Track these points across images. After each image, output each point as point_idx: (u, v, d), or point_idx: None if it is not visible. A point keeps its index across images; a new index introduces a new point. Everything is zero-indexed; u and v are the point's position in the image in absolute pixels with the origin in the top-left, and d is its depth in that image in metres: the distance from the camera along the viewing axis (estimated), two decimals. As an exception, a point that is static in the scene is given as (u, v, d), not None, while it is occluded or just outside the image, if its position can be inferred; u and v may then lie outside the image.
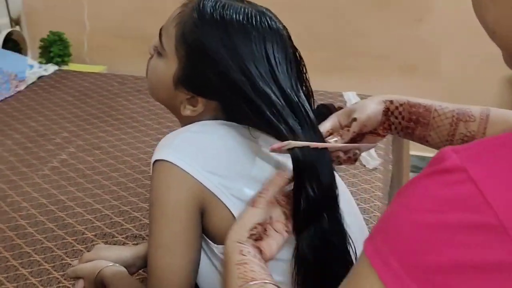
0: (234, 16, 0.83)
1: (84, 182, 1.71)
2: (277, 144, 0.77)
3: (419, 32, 2.64)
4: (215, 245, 0.82)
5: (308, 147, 0.76)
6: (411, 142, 2.25)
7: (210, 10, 0.83)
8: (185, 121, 0.89)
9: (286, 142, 0.76)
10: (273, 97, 0.80)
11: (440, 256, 0.43)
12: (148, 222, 1.47)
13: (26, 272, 1.32)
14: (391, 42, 2.68)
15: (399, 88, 2.76)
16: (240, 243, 0.74)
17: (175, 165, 0.78)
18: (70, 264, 1.32)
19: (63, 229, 1.48)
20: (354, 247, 0.81)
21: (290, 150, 0.76)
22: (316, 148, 0.77)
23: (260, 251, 0.75)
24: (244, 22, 0.83)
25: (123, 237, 1.44)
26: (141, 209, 1.56)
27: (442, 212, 0.44)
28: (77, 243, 1.42)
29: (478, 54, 2.59)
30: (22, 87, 2.43)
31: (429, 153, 2.66)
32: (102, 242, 1.42)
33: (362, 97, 2.29)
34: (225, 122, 0.87)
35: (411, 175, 2.51)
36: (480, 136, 0.83)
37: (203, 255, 0.84)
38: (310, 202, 0.75)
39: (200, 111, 0.87)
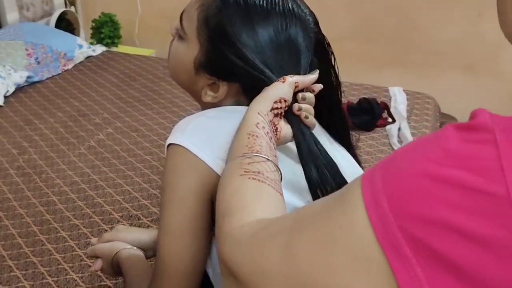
0: (258, 0, 0.80)
1: (118, 163, 1.72)
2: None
3: (479, 28, 2.50)
4: None
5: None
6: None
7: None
8: (206, 107, 0.87)
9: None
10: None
11: (431, 210, 0.40)
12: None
13: (52, 248, 1.34)
14: (450, 38, 2.56)
15: (455, 86, 2.65)
16: (260, 115, 0.72)
17: (187, 150, 0.75)
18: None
19: (91, 208, 1.50)
20: None
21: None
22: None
23: (276, 129, 0.73)
24: (268, 7, 0.80)
25: (148, 220, 1.44)
26: (169, 194, 1.55)
27: (449, 166, 0.41)
28: (103, 223, 1.43)
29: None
30: (70, 65, 2.48)
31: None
32: (128, 223, 1.42)
33: (409, 93, 2.20)
34: (243, 107, 0.84)
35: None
36: None
37: (213, 246, 0.82)
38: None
39: (221, 98, 0.84)
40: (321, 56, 0.84)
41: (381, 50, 2.66)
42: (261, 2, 0.80)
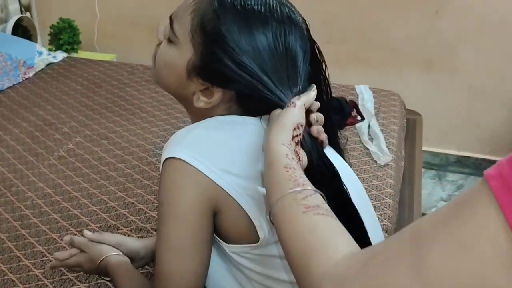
0: (255, 6, 0.79)
1: (90, 172, 1.68)
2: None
3: (436, 25, 2.58)
4: (227, 244, 0.79)
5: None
6: (424, 138, 2.22)
7: (229, 3, 0.79)
8: (196, 113, 0.85)
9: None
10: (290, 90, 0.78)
11: None
12: (153, 215, 1.45)
13: (29, 263, 1.30)
14: (409, 35, 2.62)
15: (415, 82, 2.72)
16: (285, 145, 0.71)
17: (187, 163, 0.74)
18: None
19: (67, 220, 1.46)
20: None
21: None
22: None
23: (299, 158, 0.73)
24: (266, 13, 0.79)
25: (127, 230, 1.42)
26: (147, 202, 1.53)
27: None
28: (81, 235, 1.40)
29: (496, 49, 2.54)
30: (30, 74, 2.41)
31: (441, 149, 2.61)
32: (107, 234, 1.39)
33: (375, 90, 2.25)
34: (236, 117, 0.83)
35: (423, 171, 2.47)
36: None
37: (213, 255, 0.81)
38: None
39: (215, 104, 0.82)
40: (313, 63, 0.85)
41: (343, 49, 2.70)
42: (259, 8, 0.79)
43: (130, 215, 1.48)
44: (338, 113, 1.95)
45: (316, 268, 0.56)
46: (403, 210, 1.69)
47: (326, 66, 0.86)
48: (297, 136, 0.72)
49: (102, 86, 2.31)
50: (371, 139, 1.88)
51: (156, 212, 1.48)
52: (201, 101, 0.82)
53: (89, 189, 1.60)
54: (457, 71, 2.65)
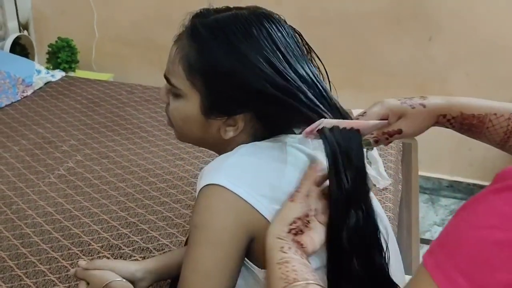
0: (231, 25, 0.80)
1: (91, 191, 1.68)
2: (309, 127, 0.76)
3: (429, 51, 2.63)
4: (259, 269, 0.80)
5: (338, 127, 0.75)
6: (419, 161, 2.24)
7: (205, 30, 0.81)
8: (225, 146, 0.86)
9: (318, 122, 0.75)
10: (295, 86, 0.78)
11: (509, 274, 0.42)
12: (155, 235, 1.45)
13: (31, 283, 1.29)
14: (402, 60, 2.68)
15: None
16: (280, 238, 0.71)
17: (227, 189, 0.75)
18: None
19: (69, 239, 1.46)
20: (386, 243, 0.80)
21: (321, 134, 0.75)
22: (345, 129, 0.76)
23: (302, 246, 0.73)
24: (243, 26, 0.80)
25: (129, 250, 1.42)
26: (148, 222, 1.53)
27: (510, 229, 0.43)
28: (83, 254, 1.40)
29: (487, 76, 2.59)
30: (29, 92, 2.41)
31: (434, 173, 2.62)
32: (108, 254, 1.39)
33: (372, 115, 2.28)
34: (271, 142, 0.85)
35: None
36: None
37: (245, 281, 0.82)
38: (344, 191, 0.74)
39: (242, 128, 0.83)
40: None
41: (337, 72, 2.72)
42: (234, 25, 0.80)
43: (132, 235, 1.48)
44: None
45: None
46: (401, 234, 1.71)
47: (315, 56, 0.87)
48: (295, 229, 0.73)
49: (101, 105, 2.32)
50: (369, 163, 1.90)
51: (158, 233, 1.48)
52: (229, 132, 0.84)
53: (90, 208, 1.60)
54: (449, 96, 2.70)
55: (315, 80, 0.81)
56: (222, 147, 0.87)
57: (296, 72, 0.79)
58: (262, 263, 0.80)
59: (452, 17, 2.55)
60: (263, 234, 0.77)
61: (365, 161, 1.93)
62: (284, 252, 0.70)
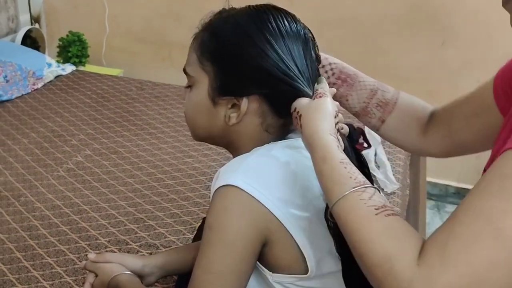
0: (242, 13, 0.84)
1: (100, 186, 1.69)
2: None
3: (441, 56, 2.62)
4: (271, 273, 0.79)
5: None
6: (427, 167, 2.24)
7: (218, 19, 0.85)
8: (235, 138, 0.86)
9: None
10: (298, 69, 0.82)
11: None
12: (163, 231, 1.45)
13: (38, 275, 1.30)
14: (414, 64, 2.66)
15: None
16: (332, 135, 0.71)
17: (243, 190, 0.74)
18: (83, 270, 1.30)
19: (76, 233, 1.46)
20: None
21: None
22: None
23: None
24: (254, 13, 0.84)
25: (137, 245, 1.42)
26: (156, 218, 1.53)
27: None
28: (90, 248, 1.40)
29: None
30: (39, 85, 2.41)
31: (441, 179, 2.59)
32: (116, 248, 1.39)
33: (381, 118, 2.27)
34: (291, 141, 0.85)
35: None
36: (392, 104, 0.97)
37: (252, 282, 0.81)
38: None
39: (244, 112, 0.82)
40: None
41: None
42: (246, 18, 0.83)
43: (140, 230, 1.48)
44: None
45: (402, 273, 0.57)
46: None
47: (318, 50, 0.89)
48: (337, 124, 0.75)
49: (111, 100, 2.32)
50: (377, 166, 1.89)
51: (166, 229, 1.48)
52: (232, 117, 0.83)
53: (98, 202, 1.60)
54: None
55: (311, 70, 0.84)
56: (231, 139, 0.86)
57: (294, 60, 0.82)
58: (271, 266, 0.80)
59: (466, 22, 2.53)
60: (277, 240, 0.77)
61: (373, 164, 1.92)
62: (341, 152, 0.70)
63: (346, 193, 0.65)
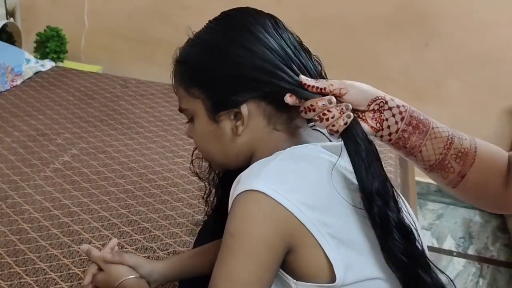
0: (204, 30, 0.85)
1: (90, 187, 1.63)
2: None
3: (425, 57, 2.64)
4: (295, 281, 0.76)
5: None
6: (410, 165, 2.25)
7: (183, 47, 0.86)
8: (251, 151, 0.84)
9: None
10: (278, 56, 0.80)
11: None
12: (159, 234, 1.41)
13: (32, 281, 1.24)
14: (399, 65, 2.68)
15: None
16: None
17: (267, 195, 0.71)
18: (79, 275, 1.26)
19: (68, 236, 1.41)
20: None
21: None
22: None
23: None
24: (218, 28, 0.84)
25: (133, 248, 1.38)
26: (150, 220, 1.49)
27: None
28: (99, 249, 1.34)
29: (481, 84, 2.62)
30: (18, 81, 2.33)
31: (423, 178, 2.61)
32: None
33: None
34: (309, 149, 0.82)
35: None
36: (472, 154, 0.81)
37: None
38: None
39: (247, 116, 0.81)
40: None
41: (334, 74, 2.71)
42: (214, 33, 0.84)
43: (134, 233, 1.43)
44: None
45: None
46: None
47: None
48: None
49: (95, 98, 2.26)
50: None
51: (161, 232, 1.44)
52: (239, 126, 0.82)
53: (89, 204, 1.54)
54: (443, 102, 2.71)
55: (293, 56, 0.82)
56: (248, 151, 0.84)
57: (271, 49, 0.80)
58: (296, 274, 0.77)
59: (449, 23, 2.56)
60: (303, 247, 0.74)
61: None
62: None
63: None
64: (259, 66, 0.78)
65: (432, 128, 0.81)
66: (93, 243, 1.38)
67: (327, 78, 0.86)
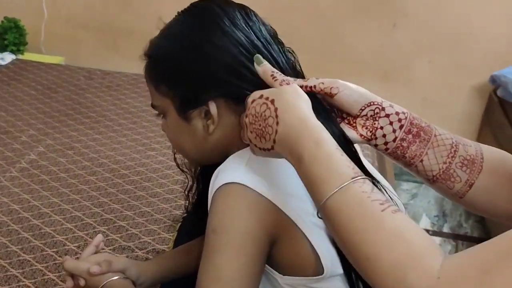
0: (170, 24, 0.81)
1: (59, 186, 1.56)
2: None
3: (393, 38, 2.63)
4: (281, 275, 0.74)
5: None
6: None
7: (150, 43, 0.81)
8: (224, 148, 0.80)
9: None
10: (245, 50, 0.75)
11: None
12: (136, 232, 1.36)
13: (4, 290, 1.18)
14: (368, 47, 2.67)
15: (373, 92, 2.76)
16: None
17: (248, 187, 0.68)
18: (54, 280, 1.20)
19: (41, 239, 1.34)
20: None
21: None
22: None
23: None
24: (185, 21, 0.79)
25: (110, 249, 1.32)
26: (126, 218, 1.44)
27: None
28: (59, 256, 1.29)
29: (450, 63, 2.63)
30: (-24, 77, 2.22)
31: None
32: (87, 254, 1.29)
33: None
34: None
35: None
36: (479, 161, 0.75)
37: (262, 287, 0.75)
38: None
39: (216, 114, 0.76)
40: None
41: (303, 58, 2.68)
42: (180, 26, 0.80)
43: (111, 232, 1.38)
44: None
45: (417, 282, 0.51)
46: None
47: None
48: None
49: (59, 91, 2.16)
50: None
51: (138, 230, 1.39)
52: (210, 124, 0.77)
53: (60, 204, 1.48)
54: (412, 83, 2.72)
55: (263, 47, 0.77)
56: (223, 148, 0.80)
57: (240, 43, 0.75)
58: (281, 268, 0.74)
59: (417, 3, 2.55)
60: (287, 239, 0.71)
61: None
62: (331, 138, 0.62)
63: (345, 184, 0.57)
64: (224, 63, 0.73)
65: (435, 135, 0.75)
66: (67, 245, 1.32)
67: (302, 72, 0.81)
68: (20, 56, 2.66)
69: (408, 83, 2.72)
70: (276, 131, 0.64)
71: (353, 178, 0.57)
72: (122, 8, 2.74)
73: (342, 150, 0.61)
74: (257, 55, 0.72)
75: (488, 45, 2.54)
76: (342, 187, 0.57)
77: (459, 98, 2.69)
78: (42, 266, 1.25)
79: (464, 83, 2.65)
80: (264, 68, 0.71)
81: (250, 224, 0.69)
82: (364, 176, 0.58)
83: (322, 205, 0.59)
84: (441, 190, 0.76)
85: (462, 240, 2.41)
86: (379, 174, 0.86)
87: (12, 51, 2.63)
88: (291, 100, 0.65)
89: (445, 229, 2.48)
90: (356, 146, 0.78)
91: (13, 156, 1.70)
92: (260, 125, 0.66)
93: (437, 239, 2.40)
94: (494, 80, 2.44)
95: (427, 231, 2.46)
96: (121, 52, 2.80)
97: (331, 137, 0.62)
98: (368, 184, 0.58)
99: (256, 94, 0.68)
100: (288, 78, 0.70)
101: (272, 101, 0.65)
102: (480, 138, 2.68)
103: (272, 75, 0.70)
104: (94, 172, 1.64)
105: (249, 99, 0.68)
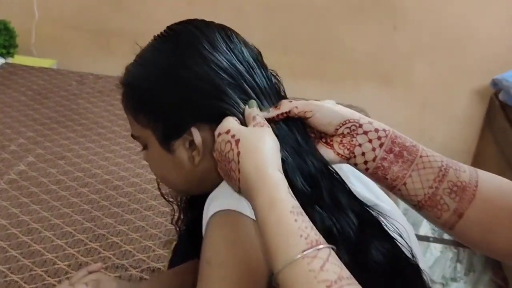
0: (149, 54, 0.75)
1: (49, 199, 1.50)
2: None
3: (393, 40, 2.58)
4: None
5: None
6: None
7: (131, 70, 0.76)
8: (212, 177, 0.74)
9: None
10: (226, 75, 0.70)
11: None
12: (130, 249, 1.30)
13: (-10, 314, 1.12)
14: (367, 49, 2.61)
15: (370, 96, 2.71)
16: (281, 172, 0.61)
17: (243, 214, 0.64)
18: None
19: (29, 258, 1.28)
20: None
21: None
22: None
23: None
24: (160, 47, 0.74)
25: (102, 268, 1.25)
26: (119, 233, 1.38)
27: None
28: (48, 276, 1.23)
29: (450, 66, 2.58)
30: (-36, 82, 2.15)
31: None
32: (79, 274, 1.23)
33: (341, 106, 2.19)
34: None
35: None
36: (472, 189, 0.68)
37: None
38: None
39: (201, 143, 0.71)
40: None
41: (300, 60, 2.64)
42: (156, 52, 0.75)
43: (103, 249, 1.32)
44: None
45: None
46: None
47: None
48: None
49: (50, 97, 2.10)
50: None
51: (132, 246, 1.33)
52: (195, 155, 0.72)
53: (50, 219, 1.41)
54: (412, 85, 2.67)
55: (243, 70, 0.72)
56: (213, 178, 0.74)
57: (220, 67, 0.70)
58: None
59: (417, 6, 2.50)
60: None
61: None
62: (292, 196, 0.58)
63: (293, 261, 0.53)
64: (202, 89, 0.69)
65: (421, 156, 0.68)
66: (57, 264, 1.26)
67: (285, 94, 0.76)
68: (10, 60, 2.59)
69: (408, 86, 2.67)
70: (239, 179, 0.62)
71: (303, 251, 0.53)
72: (116, 8, 2.67)
73: (298, 213, 0.56)
74: (253, 101, 0.69)
75: (489, 48, 2.50)
76: (291, 262, 0.53)
77: (460, 101, 2.64)
78: (30, 287, 1.19)
79: (464, 86, 2.60)
80: (250, 110, 0.68)
81: (248, 255, 0.64)
82: (319, 246, 0.54)
83: (275, 275, 0.55)
84: (429, 219, 0.70)
85: (463, 247, 2.37)
86: (382, 192, 0.81)
87: (2, 54, 2.56)
88: (255, 144, 0.62)
89: (446, 236, 2.43)
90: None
91: (1, 166, 1.63)
92: (225, 166, 0.64)
93: (438, 246, 2.36)
94: (495, 83, 2.39)
95: (428, 238, 2.42)
96: (114, 53, 2.74)
97: (288, 193, 0.58)
98: (319, 259, 0.53)
99: (224, 127, 0.65)
100: (265, 122, 0.66)
101: (237, 142, 0.62)
102: (481, 143, 2.64)
103: (254, 116, 0.66)
104: (86, 184, 1.58)
105: (216, 132, 0.66)
